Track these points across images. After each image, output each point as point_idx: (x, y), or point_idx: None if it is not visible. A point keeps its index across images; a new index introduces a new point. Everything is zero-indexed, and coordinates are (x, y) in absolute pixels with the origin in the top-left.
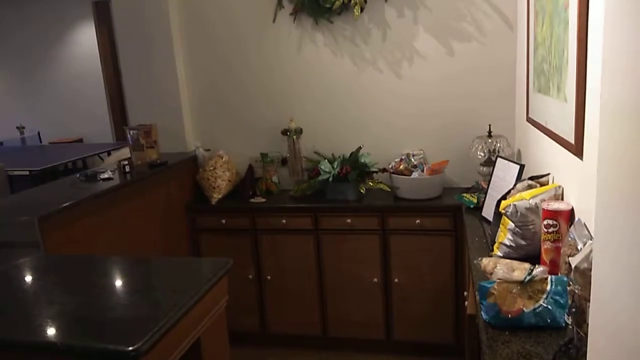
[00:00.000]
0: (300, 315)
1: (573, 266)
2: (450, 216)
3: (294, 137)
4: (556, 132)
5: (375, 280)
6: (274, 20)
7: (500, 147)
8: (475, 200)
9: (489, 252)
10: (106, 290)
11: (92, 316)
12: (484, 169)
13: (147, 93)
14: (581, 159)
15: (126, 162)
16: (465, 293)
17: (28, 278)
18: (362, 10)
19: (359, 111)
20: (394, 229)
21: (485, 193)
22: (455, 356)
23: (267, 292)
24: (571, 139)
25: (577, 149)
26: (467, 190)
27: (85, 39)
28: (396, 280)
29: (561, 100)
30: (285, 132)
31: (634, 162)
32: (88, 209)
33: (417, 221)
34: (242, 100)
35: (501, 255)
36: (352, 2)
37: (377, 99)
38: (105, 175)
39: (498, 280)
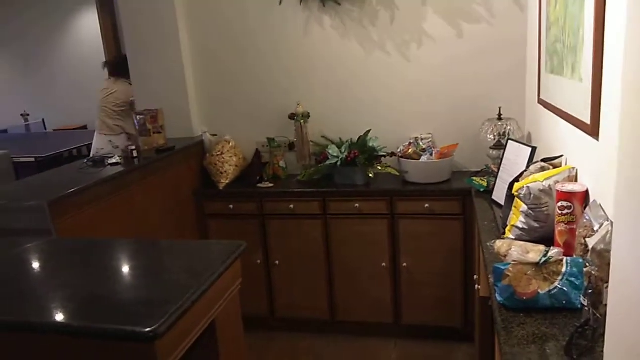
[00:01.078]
0: (308, 300)
1: (590, 247)
2: (460, 200)
3: (302, 121)
4: (570, 113)
5: (384, 264)
6: (280, 2)
7: (510, 129)
8: (485, 184)
9: (500, 235)
10: (120, 272)
11: (107, 298)
12: (494, 152)
13: (153, 77)
14: (597, 139)
15: (134, 147)
16: (475, 277)
17: (40, 261)
18: None
19: (367, 94)
20: (403, 213)
21: (496, 176)
22: (464, 340)
23: (275, 277)
24: (587, 119)
25: (593, 129)
26: (477, 173)
27: (87, 24)
28: (405, 264)
29: (576, 80)
30: (292, 117)
31: None
32: (97, 194)
33: (426, 205)
34: (249, 84)
35: (514, 238)
36: None
37: (385, 82)
38: (113, 160)
39: (513, 262)
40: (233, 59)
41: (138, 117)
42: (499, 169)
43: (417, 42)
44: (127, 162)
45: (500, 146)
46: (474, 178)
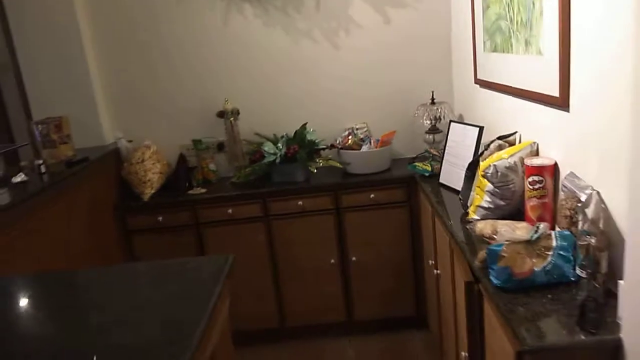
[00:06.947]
0: (255, 309)
1: (589, 217)
2: (404, 187)
3: (231, 119)
4: (526, 88)
5: (333, 261)
6: None
7: (444, 113)
8: (429, 168)
9: (461, 216)
10: (97, 309)
11: (91, 346)
12: (430, 136)
13: (52, 80)
14: (567, 111)
15: (41, 162)
16: (430, 262)
17: None
18: None
19: (297, 86)
20: (348, 207)
21: (441, 160)
22: (418, 327)
23: None
24: (554, 92)
25: (562, 101)
26: (414, 159)
27: None
28: (354, 258)
29: (532, 54)
30: (221, 115)
31: None
32: (7, 220)
33: (372, 196)
34: (166, 81)
35: (479, 218)
36: None
37: (315, 72)
38: (19, 179)
39: (506, 242)
40: (145, 54)
41: (39, 126)
42: (443, 152)
43: (345, 29)
44: (34, 180)
45: (435, 130)
46: (417, 164)
